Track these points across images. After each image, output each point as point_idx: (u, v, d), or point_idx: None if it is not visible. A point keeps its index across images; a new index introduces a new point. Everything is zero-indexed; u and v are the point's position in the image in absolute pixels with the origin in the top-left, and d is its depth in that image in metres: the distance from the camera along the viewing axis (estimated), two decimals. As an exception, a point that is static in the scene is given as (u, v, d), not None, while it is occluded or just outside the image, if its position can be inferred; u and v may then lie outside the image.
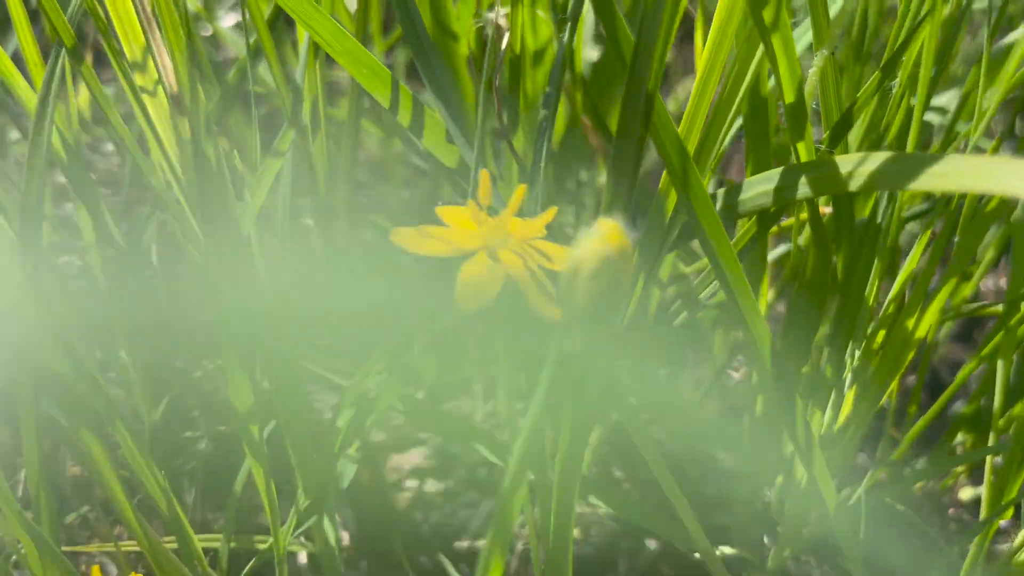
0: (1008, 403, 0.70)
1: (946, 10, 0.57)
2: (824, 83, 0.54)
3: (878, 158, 0.47)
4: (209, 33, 1.31)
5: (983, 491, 0.67)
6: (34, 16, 0.85)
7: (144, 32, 0.52)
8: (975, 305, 0.71)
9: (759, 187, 0.56)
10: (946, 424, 0.82)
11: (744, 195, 0.57)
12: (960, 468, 0.86)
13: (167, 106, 0.55)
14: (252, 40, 0.73)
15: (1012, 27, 0.84)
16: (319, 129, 0.70)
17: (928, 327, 0.62)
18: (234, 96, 0.78)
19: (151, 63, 0.54)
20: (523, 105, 0.66)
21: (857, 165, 0.48)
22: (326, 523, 0.67)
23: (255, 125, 0.65)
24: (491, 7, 0.80)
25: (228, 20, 1.39)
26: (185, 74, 0.51)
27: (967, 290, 0.75)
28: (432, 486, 0.89)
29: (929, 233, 0.57)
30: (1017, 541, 0.55)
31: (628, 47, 0.46)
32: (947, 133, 0.66)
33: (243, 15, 0.67)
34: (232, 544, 0.68)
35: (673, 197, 0.56)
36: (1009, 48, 0.78)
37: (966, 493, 0.89)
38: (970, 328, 1.06)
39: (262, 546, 0.70)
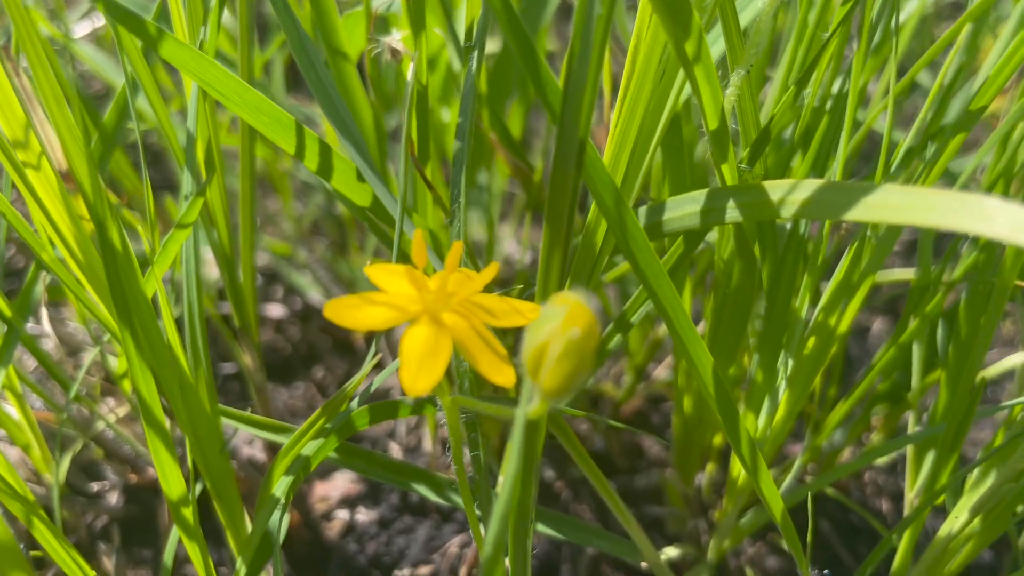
0: (921, 378, 0.73)
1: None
2: (741, 102, 0.54)
3: (809, 186, 0.47)
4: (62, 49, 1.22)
5: (907, 472, 0.70)
6: None
7: (24, 107, 0.47)
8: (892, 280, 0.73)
9: (685, 207, 0.55)
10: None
11: (669, 215, 0.57)
12: (875, 435, 0.89)
13: (55, 181, 0.51)
14: (129, 71, 0.67)
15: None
16: (214, 172, 0.66)
17: (850, 322, 0.64)
18: (113, 137, 0.72)
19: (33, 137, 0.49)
20: (432, 134, 0.63)
21: (788, 192, 0.48)
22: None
23: (146, 178, 0.60)
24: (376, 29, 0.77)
25: (82, 29, 1.30)
26: (74, 149, 0.47)
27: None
28: (364, 515, 0.87)
29: (854, 247, 0.58)
30: (955, 527, 0.58)
31: (555, 96, 0.45)
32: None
33: (120, 55, 0.62)
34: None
35: (604, 226, 0.55)
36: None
37: (882, 459, 0.93)
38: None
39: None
